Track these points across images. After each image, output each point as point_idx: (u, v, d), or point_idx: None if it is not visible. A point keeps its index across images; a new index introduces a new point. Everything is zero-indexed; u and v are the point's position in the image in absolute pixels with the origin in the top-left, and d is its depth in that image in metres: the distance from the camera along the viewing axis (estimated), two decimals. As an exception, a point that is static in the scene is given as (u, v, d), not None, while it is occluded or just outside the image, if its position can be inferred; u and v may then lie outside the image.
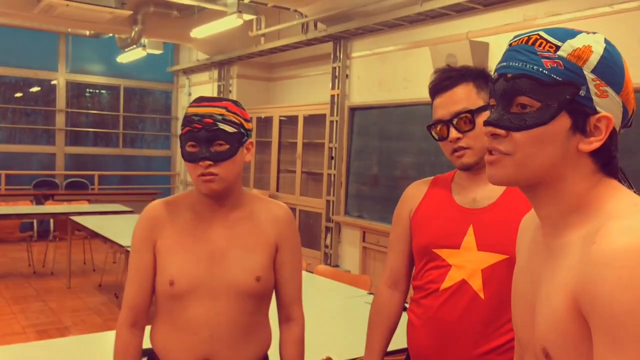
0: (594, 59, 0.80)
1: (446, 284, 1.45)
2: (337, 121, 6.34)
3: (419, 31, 5.39)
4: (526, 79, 0.81)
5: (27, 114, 9.55)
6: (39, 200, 8.14)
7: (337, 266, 6.24)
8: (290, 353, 1.54)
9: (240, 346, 1.43)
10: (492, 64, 4.64)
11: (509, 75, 0.83)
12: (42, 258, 6.89)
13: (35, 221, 8.33)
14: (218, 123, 1.37)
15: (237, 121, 1.40)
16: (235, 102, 1.43)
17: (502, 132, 0.83)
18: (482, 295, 1.40)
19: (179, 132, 1.42)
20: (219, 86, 8.72)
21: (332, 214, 6.41)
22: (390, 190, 5.68)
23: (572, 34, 0.81)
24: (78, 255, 6.84)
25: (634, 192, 0.85)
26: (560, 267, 0.80)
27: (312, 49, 7.00)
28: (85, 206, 6.85)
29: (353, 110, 6.21)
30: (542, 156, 0.81)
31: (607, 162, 0.84)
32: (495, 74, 0.86)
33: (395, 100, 5.60)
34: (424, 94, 5.26)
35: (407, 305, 1.68)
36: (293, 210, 7.16)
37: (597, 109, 0.80)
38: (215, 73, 8.84)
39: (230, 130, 1.38)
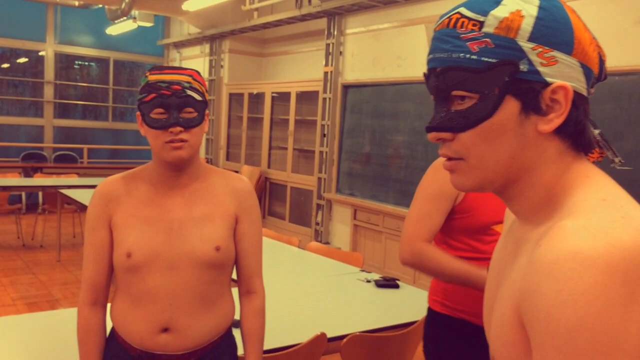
0: (527, 25, 0.66)
1: None
2: (329, 98, 6.31)
3: (414, 8, 5.34)
4: (455, 71, 0.69)
5: (15, 85, 9.40)
6: (27, 173, 8.06)
7: (327, 243, 6.27)
8: (252, 325, 1.54)
9: (200, 316, 1.43)
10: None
11: (438, 70, 0.71)
12: (31, 231, 6.86)
13: (24, 194, 8.26)
14: (186, 90, 1.37)
15: (201, 90, 1.41)
16: (197, 72, 1.43)
17: (446, 135, 0.72)
18: None
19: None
20: (210, 61, 8.62)
21: (324, 192, 6.42)
22: (382, 168, 5.69)
23: (494, 1, 0.68)
24: (67, 228, 6.81)
25: (617, 161, 0.75)
26: (517, 267, 0.69)
27: (305, 24, 6.93)
28: (74, 179, 6.79)
29: (346, 87, 6.17)
30: (498, 152, 0.69)
31: (577, 136, 0.70)
32: (427, 68, 0.74)
33: (388, 78, 5.58)
34: (417, 73, 5.28)
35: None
36: (284, 187, 7.17)
37: (548, 80, 0.67)
38: (206, 47, 8.73)
39: (198, 98, 1.39)
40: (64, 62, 9.60)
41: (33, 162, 8.71)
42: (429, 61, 0.74)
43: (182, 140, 1.36)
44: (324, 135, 6.39)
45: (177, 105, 1.35)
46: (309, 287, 2.73)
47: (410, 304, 2.54)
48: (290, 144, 7.13)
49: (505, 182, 0.72)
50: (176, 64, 9.62)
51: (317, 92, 6.56)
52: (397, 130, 5.49)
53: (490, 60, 0.67)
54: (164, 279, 1.40)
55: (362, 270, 3.06)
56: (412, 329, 2.11)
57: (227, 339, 1.54)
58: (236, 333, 1.60)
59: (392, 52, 5.60)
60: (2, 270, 5.38)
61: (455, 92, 0.70)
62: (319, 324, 2.17)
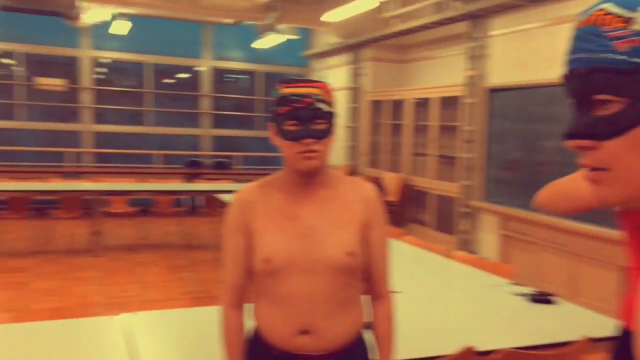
0: None
1: None
2: (473, 103, 6.14)
3: (564, 5, 5.02)
4: (599, 73, 0.63)
5: (176, 98, 10.38)
6: (189, 179, 8.84)
7: (473, 253, 6.10)
8: (382, 329, 1.59)
9: (336, 318, 1.49)
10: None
11: (580, 71, 0.65)
12: (193, 232, 7.50)
13: (186, 198, 9.08)
14: (317, 102, 1.42)
15: (330, 101, 1.46)
16: (327, 83, 1.48)
17: (588, 143, 0.66)
18: None
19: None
20: (352, 69, 8.81)
21: (469, 199, 6.25)
22: (532, 175, 5.41)
23: None
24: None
25: None
26: None
27: (446, 28, 6.81)
28: (229, 184, 7.33)
29: (491, 91, 5.96)
30: None
31: None
32: (567, 69, 0.68)
33: (538, 80, 5.29)
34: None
35: None
36: (425, 194, 7.10)
37: None
38: (348, 56, 8.93)
39: (328, 110, 1.44)
40: (217, 76, 10.40)
41: (193, 169, 9.53)
42: (569, 62, 0.68)
43: (313, 151, 1.43)
44: (469, 141, 6.23)
45: (309, 117, 1.42)
46: (454, 296, 2.69)
47: (567, 322, 2.39)
48: (432, 150, 7.05)
49: None
50: (318, 74, 9.96)
51: (457, 97, 6.42)
52: (550, 136, 5.19)
53: (639, 60, 0.61)
54: (301, 283, 1.47)
55: (513, 283, 2.95)
56: (572, 350, 2.00)
57: (360, 341, 1.59)
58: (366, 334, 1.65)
59: (541, 53, 5.30)
60: (169, 267, 5.96)
61: (600, 96, 0.64)
62: (464, 336, 2.12)
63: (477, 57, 6.11)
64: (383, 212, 1.60)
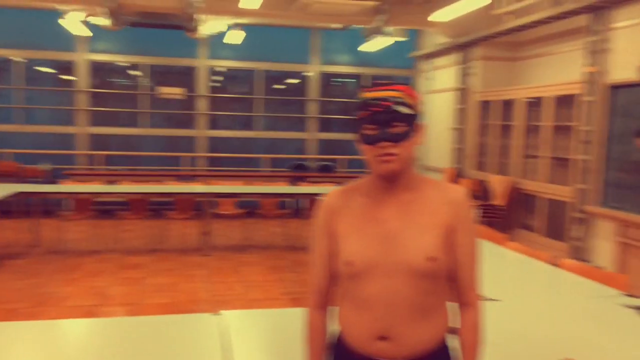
0: None
1: None
2: (592, 101, 5.69)
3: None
4: None
5: (285, 103, 10.67)
6: (294, 182, 9.05)
7: (586, 261, 5.65)
8: (467, 338, 1.52)
9: (415, 325, 1.44)
10: None
11: None
12: (296, 233, 7.65)
13: (290, 200, 9.29)
14: (395, 106, 1.39)
15: (412, 103, 1.42)
16: (410, 86, 1.44)
17: None
18: None
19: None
20: (460, 69, 8.54)
21: (583, 204, 5.80)
22: (657, 178, 4.91)
23: None
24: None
25: None
26: None
27: (562, 23, 6.39)
28: (333, 187, 7.39)
29: (614, 88, 5.49)
30: None
31: None
32: None
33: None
34: None
35: None
36: (535, 197, 6.70)
37: None
38: (457, 56, 8.67)
39: (407, 112, 1.41)
40: (324, 81, 10.56)
41: (299, 172, 9.74)
42: None
43: (390, 154, 1.41)
44: (586, 141, 5.78)
45: (385, 121, 1.40)
46: (559, 307, 2.50)
47: (688, 340, 2.13)
48: (544, 152, 6.63)
49: None
50: (426, 75, 9.77)
51: (573, 96, 5.98)
52: (678, 134, 4.68)
53: None
54: (381, 287, 1.44)
55: (626, 294, 2.68)
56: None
57: (443, 349, 1.52)
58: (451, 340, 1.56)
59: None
60: (271, 268, 6.12)
61: None
62: (565, 349, 1.96)
63: (597, 52, 5.66)
64: (471, 216, 1.53)
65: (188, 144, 10.17)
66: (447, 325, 1.53)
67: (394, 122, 1.41)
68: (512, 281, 2.96)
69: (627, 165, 5.31)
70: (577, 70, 6.00)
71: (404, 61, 10.37)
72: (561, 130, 6.42)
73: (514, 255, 3.54)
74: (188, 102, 10.13)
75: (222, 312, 2.37)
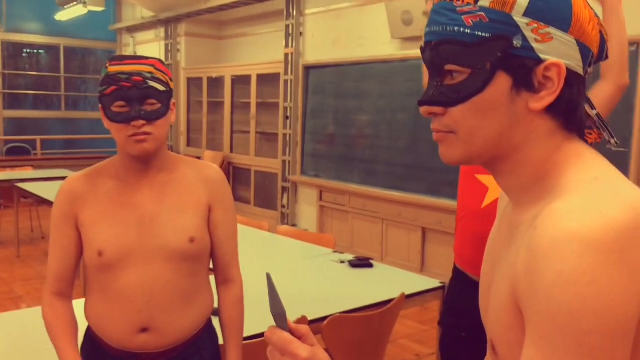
0: (523, 0, 0.65)
1: (485, 203, 1.82)
2: (291, 80, 6.25)
3: (372, -13, 5.32)
4: (449, 45, 0.68)
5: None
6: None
7: (294, 226, 6.27)
8: (231, 314, 1.52)
9: (180, 312, 1.40)
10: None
11: (432, 43, 0.70)
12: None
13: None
14: (148, 81, 1.32)
15: (164, 79, 1.37)
16: (160, 60, 1.39)
17: (438, 109, 0.71)
18: None
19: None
20: (166, 45, 8.42)
21: (289, 174, 6.39)
22: (346, 148, 5.70)
23: None
24: (25, 223, 6.59)
25: (613, 143, 0.73)
26: (512, 251, 0.68)
27: (263, 5, 6.82)
28: (29, 172, 6.56)
29: (308, 68, 6.13)
30: (487, 128, 0.68)
31: (569, 115, 0.69)
32: (423, 41, 0.73)
33: (351, 58, 5.56)
34: (380, 52, 5.28)
35: None
36: (248, 171, 7.11)
37: (542, 57, 0.66)
38: (161, 31, 8.51)
39: (161, 89, 1.35)
40: (11, 51, 9.21)
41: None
42: (425, 34, 0.72)
43: (145, 134, 1.32)
44: (287, 117, 6.35)
45: (139, 98, 1.31)
46: (284, 271, 2.73)
47: (385, 282, 2.56)
48: (252, 127, 7.06)
49: (494, 157, 0.71)
50: (130, 50, 9.35)
51: (278, 74, 6.49)
52: (361, 110, 5.49)
53: (483, 34, 0.66)
54: (139, 276, 1.36)
55: (335, 252, 3.07)
56: (391, 307, 2.13)
57: (207, 330, 1.52)
58: (215, 321, 1.58)
59: (354, 31, 5.57)
60: (-42, 269, 5.17)
61: (448, 67, 0.69)
62: (298, 308, 2.16)
63: (294, 35, 6.21)
64: (228, 193, 1.52)
65: None
66: (211, 307, 1.52)
67: (149, 100, 1.32)
68: (241, 254, 3.11)
69: (320, 138, 6.03)
70: (278, 51, 6.50)
71: (106, 34, 9.73)
72: (268, 106, 6.90)
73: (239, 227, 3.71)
74: None
75: None
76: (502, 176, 0.73)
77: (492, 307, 0.71)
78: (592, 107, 0.72)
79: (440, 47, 0.69)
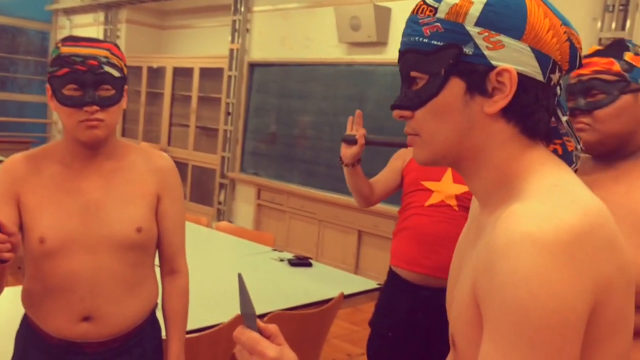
0: (475, 11, 0.70)
1: (430, 202, 1.99)
2: (235, 76, 6.20)
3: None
4: (411, 53, 0.75)
5: None
6: None
7: (230, 222, 6.21)
8: (175, 305, 1.51)
9: (123, 302, 1.38)
10: (394, 29, 4.77)
11: (401, 52, 0.78)
12: None
13: None
14: (104, 66, 1.29)
15: (120, 65, 1.34)
16: (116, 45, 1.37)
17: (406, 113, 0.77)
18: (456, 209, 1.96)
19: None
20: (105, 30, 8.13)
21: (227, 171, 6.33)
22: (288, 148, 5.71)
23: None
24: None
25: (579, 149, 0.77)
26: (476, 251, 0.72)
27: (210, -2, 6.73)
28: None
29: (253, 66, 6.10)
30: (446, 130, 0.74)
31: (524, 120, 0.73)
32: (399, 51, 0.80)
33: (296, 58, 5.58)
34: (326, 54, 5.34)
35: None
36: (185, 165, 6.99)
37: (493, 63, 0.70)
38: (101, 16, 8.21)
39: (116, 75, 1.32)
40: None
41: None
42: (401, 44, 0.78)
43: (98, 120, 1.28)
44: (229, 113, 6.29)
45: (93, 82, 1.27)
46: (223, 267, 2.71)
47: (324, 282, 2.60)
48: (192, 121, 6.94)
49: (458, 158, 0.76)
50: (65, 32, 8.96)
51: (221, 69, 6.42)
52: (304, 111, 5.52)
53: (438, 43, 0.72)
54: (82, 264, 1.32)
55: (274, 250, 3.08)
56: (329, 306, 2.17)
57: (150, 322, 1.49)
58: (158, 313, 1.56)
59: (301, 32, 5.59)
60: None
61: (412, 73, 0.76)
62: (238, 304, 2.15)
63: (240, 31, 6.16)
64: (178, 184, 1.50)
65: None
66: (156, 298, 1.50)
67: (103, 85, 1.28)
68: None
69: (262, 136, 6.02)
70: (223, 45, 6.43)
71: (41, 14, 9.27)
72: (210, 101, 6.80)
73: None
74: None
75: None
76: (469, 177, 0.78)
77: (456, 304, 0.75)
78: (564, 114, 0.77)
79: (406, 56, 0.76)
